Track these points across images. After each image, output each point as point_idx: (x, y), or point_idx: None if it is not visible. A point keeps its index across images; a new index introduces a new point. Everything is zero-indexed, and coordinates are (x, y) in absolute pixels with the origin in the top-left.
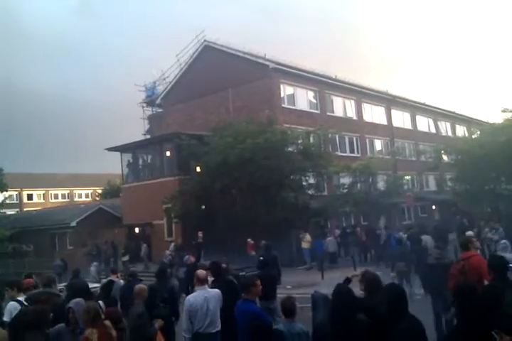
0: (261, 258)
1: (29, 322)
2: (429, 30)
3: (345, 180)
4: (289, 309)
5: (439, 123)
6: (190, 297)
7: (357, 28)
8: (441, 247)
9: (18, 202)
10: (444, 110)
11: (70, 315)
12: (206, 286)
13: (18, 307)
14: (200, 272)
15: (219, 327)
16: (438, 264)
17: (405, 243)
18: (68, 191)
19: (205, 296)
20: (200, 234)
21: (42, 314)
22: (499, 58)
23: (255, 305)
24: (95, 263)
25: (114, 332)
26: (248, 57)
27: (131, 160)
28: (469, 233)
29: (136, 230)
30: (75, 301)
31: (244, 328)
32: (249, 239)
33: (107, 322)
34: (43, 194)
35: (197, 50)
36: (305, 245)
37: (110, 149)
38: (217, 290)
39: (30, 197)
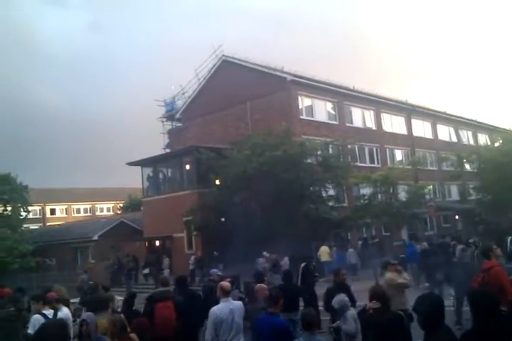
0: (284, 269)
1: (50, 335)
2: (449, 37)
3: (366, 191)
4: (309, 322)
5: (460, 132)
6: (216, 309)
7: (374, 38)
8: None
9: (41, 216)
10: (466, 118)
11: (84, 328)
12: (230, 298)
13: (42, 320)
14: (225, 284)
15: (242, 339)
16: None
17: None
18: (90, 205)
19: (230, 308)
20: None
21: (63, 327)
22: None
23: (281, 318)
24: None
25: None
26: (265, 70)
27: (151, 174)
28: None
29: (157, 243)
30: (87, 314)
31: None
32: (264, 252)
33: (133, 335)
34: (66, 208)
35: (215, 64)
36: (323, 257)
37: (131, 164)
38: (239, 303)
39: (53, 211)
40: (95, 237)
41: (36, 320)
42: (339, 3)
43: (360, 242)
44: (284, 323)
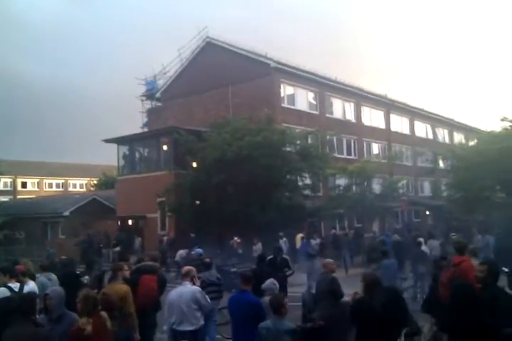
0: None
1: (12, 308)
2: (430, 36)
3: (341, 182)
4: (277, 306)
5: (437, 129)
6: (170, 292)
7: (357, 31)
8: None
9: (12, 189)
10: (443, 117)
11: (47, 302)
12: (188, 282)
13: (8, 293)
14: (185, 267)
15: (194, 326)
16: None
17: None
18: (63, 180)
19: (180, 292)
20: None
21: (27, 301)
22: (499, 66)
23: (253, 296)
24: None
25: (109, 323)
26: (249, 55)
27: (127, 153)
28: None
29: (130, 222)
30: (52, 288)
31: None
32: (235, 238)
33: (103, 313)
34: (38, 182)
35: (199, 46)
36: (298, 245)
37: (107, 141)
38: (193, 287)
39: (24, 184)
40: (66, 213)
41: (1, 293)
42: None
43: (333, 231)
44: (257, 299)
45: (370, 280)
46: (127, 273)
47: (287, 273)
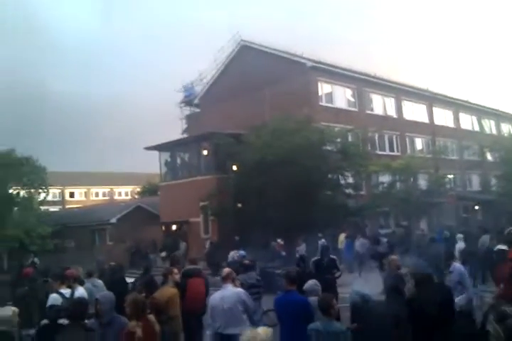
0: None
1: (69, 313)
2: (473, 27)
3: (385, 179)
4: (327, 307)
5: (483, 121)
6: (212, 296)
7: (396, 25)
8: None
9: (60, 199)
10: (488, 108)
11: (98, 307)
12: (229, 285)
13: (60, 299)
14: (224, 269)
15: (240, 329)
16: None
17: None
18: (108, 189)
19: (221, 295)
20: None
21: (78, 306)
22: None
23: (300, 295)
24: None
25: (157, 327)
26: (285, 55)
27: (169, 159)
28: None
29: (174, 227)
30: (102, 294)
31: None
32: (278, 240)
33: (151, 317)
34: (85, 192)
35: (233, 50)
36: (340, 246)
37: (149, 148)
38: (235, 290)
39: (72, 194)
40: (113, 220)
41: (54, 299)
42: None
43: (380, 231)
44: (304, 298)
45: (420, 278)
46: (177, 277)
47: (336, 275)
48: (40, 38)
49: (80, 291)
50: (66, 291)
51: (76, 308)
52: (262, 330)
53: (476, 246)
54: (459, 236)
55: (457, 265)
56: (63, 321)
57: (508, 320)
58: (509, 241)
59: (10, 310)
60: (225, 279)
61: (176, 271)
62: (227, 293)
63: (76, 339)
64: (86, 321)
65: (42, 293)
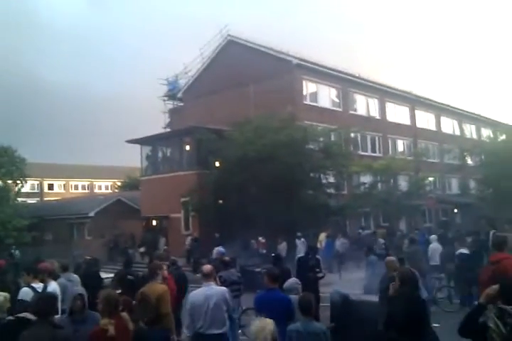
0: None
1: (36, 309)
2: (457, 31)
3: (366, 180)
4: (306, 306)
5: (464, 125)
6: (192, 294)
7: (382, 27)
8: None
9: (39, 191)
10: (470, 112)
11: (78, 302)
12: (212, 283)
13: (31, 293)
14: (206, 267)
15: (222, 329)
16: None
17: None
18: (88, 182)
19: (206, 294)
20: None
21: (46, 302)
22: None
23: (282, 293)
24: None
25: (131, 325)
26: (271, 52)
27: (150, 153)
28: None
29: (154, 223)
30: (83, 288)
31: None
32: (260, 238)
33: (125, 314)
34: (64, 184)
35: (220, 44)
36: (320, 245)
37: (130, 141)
38: (221, 288)
39: (51, 187)
40: (92, 214)
41: (24, 293)
42: None
43: (360, 231)
44: (286, 296)
45: (405, 276)
46: (166, 273)
47: (319, 275)
48: (27, 24)
49: (53, 286)
50: (38, 285)
51: (43, 304)
52: (270, 321)
53: (453, 249)
54: (433, 237)
55: (374, 257)
56: (30, 317)
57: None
58: (496, 244)
59: (1, 296)
60: (208, 277)
61: (165, 266)
62: (212, 292)
63: (42, 336)
64: (57, 317)
65: (13, 287)
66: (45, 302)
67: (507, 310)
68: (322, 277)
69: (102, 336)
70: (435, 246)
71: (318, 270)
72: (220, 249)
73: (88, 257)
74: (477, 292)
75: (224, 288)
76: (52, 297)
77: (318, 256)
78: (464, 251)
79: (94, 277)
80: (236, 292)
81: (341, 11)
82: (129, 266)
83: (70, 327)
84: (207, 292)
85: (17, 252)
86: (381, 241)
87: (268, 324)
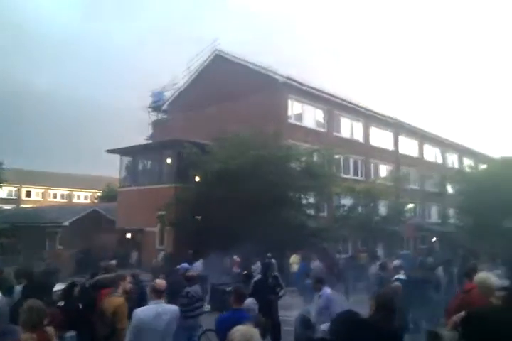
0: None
1: None
2: (441, 62)
3: (347, 202)
4: (261, 332)
5: (446, 154)
6: (139, 310)
7: (370, 53)
8: None
9: (16, 198)
10: (453, 142)
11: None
12: (163, 300)
13: None
14: (159, 282)
15: None
16: None
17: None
18: (68, 191)
19: (157, 311)
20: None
21: None
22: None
23: (248, 314)
24: None
25: None
26: (258, 69)
27: (129, 164)
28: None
29: (128, 235)
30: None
31: None
32: (235, 256)
33: (50, 329)
34: (42, 192)
35: (208, 58)
36: (292, 267)
37: (110, 151)
38: (172, 307)
39: (29, 194)
40: (66, 223)
41: None
42: (339, 12)
43: (338, 255)
44: (251, 318)
45: (382, 301)
46: (128, 286)
47: (280, 294)
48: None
49: None
50: None
51: None
52: (256, 330)
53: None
54: (397, 262)
55: (327, 290)
56: None
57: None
58: (468, 274)
59: None
60: (160, 293)
61: (128, 278)
62: (163, 310)
63: None
64: None
65: None
66: None
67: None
68: (282, 296)
69: None
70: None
71: (278, 289)
72: (185, 264)
73: (45, 267)
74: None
75: (175, 306)
76: None
77: (275, 273)
78: (401, 276)
79: (45, 288)
80: (198, 309)
81: (330, 39)
82: (93, 278)
83: None
84: (158, 309)
85: None
86: (313, 264)
87: (255, 332)
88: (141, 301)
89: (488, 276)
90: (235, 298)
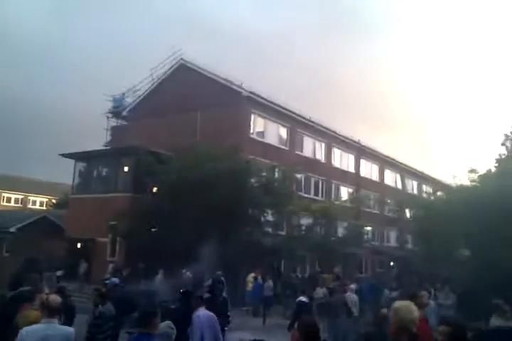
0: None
1: None
2: (406, 89)
3: (305, 222)
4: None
5: (406, 180)
6: (25, 330)
7: (338, 77)
8: None
9: None
10: (413, 168)
11: None
12: (56, 320)
13: None
14: (53, 298)
15: None
16: None
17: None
18: (23, 196)
19: (46, 333)
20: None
21: None
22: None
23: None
24: None
25: None
26: (222, 81)
27: (83, 170)
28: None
29: (78, 245)
30: None
31: None
32: (188, 272)
33: None
34: None
35: (172, 66)
36: (248, 287)
37: (64, 155)
38: (69, 329)
39: None
40: (13, 229)
41: None
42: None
43: (294, 275)
44: None
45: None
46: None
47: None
48: None
49: None
50: None
51: None
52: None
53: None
54: (351, 286)
55: (203, 311)
56: None
57: None
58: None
59: None
60: (54, 311)
61: (47, 291)
62: (54, 332)
63: None
64: None
65: None
66: None
67: None
68: (229, 322)
69: None
70: (352, 297)
71: (228, 314)
72: (114, 279)
73: None
74: None
75: (70, 329)
76: None
77: (225, 295)
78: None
79: None
80: (111, 330)
81: (297, 57)
82: (15, 288)
83: None
84: (47, 331)
85: None
86: (267, 284)
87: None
88: (68, 317)
89: (405, 305)
90: (140, 320)
